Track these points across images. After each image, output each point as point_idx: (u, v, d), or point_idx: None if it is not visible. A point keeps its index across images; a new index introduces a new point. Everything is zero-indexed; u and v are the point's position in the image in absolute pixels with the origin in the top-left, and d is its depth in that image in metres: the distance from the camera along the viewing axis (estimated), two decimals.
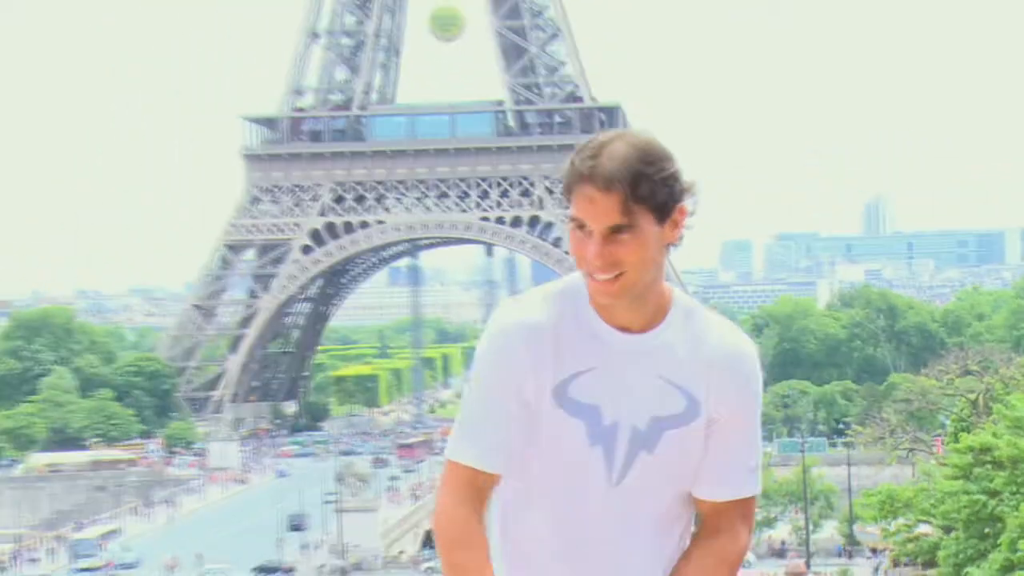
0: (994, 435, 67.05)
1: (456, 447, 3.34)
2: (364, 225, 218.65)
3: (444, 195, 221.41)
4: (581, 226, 3.10)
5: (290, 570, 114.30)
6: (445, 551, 3.35)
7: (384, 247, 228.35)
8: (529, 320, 3.25)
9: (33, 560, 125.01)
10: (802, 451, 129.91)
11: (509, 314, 3.33)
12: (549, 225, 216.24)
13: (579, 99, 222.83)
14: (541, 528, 3.39)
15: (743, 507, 3.40)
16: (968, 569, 67.96)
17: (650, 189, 3.05)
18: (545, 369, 3.22)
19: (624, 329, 3.23)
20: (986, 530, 64.29)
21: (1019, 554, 57.66)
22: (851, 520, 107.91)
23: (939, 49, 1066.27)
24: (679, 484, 3.37)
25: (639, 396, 3.24)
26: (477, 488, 3.32)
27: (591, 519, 3.34)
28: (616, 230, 3.05)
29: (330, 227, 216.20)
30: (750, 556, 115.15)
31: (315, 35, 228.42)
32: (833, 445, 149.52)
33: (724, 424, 3.30)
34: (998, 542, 61.33)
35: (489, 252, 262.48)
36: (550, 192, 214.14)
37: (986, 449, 65.74)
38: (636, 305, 3.19)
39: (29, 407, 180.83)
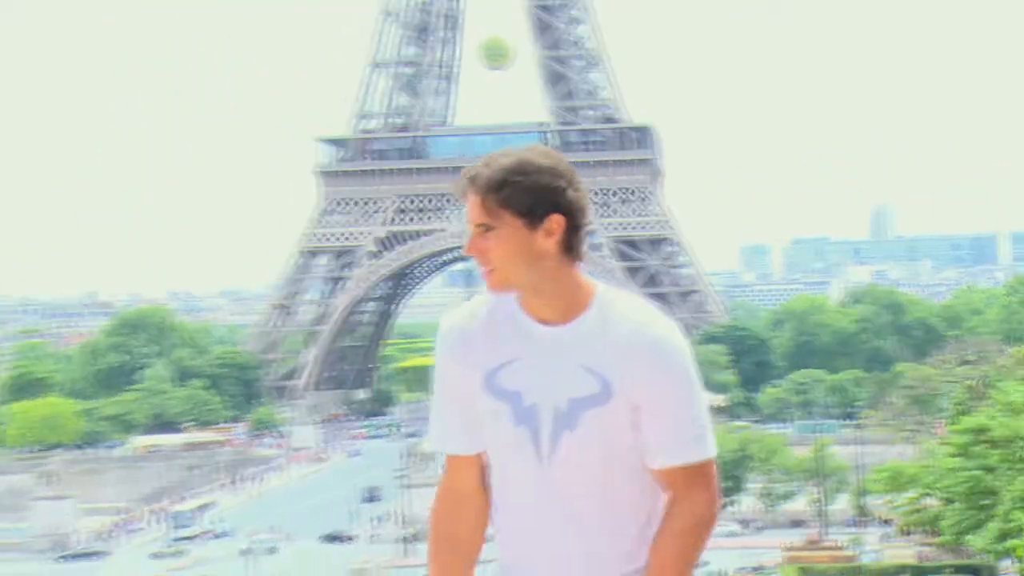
0: (989, 417, 67.37)
1: (429, 436, 3.52)
2: (424, 233, 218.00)
3: None
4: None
5: (351, 538, 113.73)
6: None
7: (441, 253, 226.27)
8: (452, 325, 3.39)
9: (136, 530, 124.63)
10: (817, 432, 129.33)
11: (442, 322, 3.47)
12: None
13: (614, 120, 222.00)
14: (499, 501, 3.45)
15: (695, 472, 3.28)
16: (967, 537, 68.71)
17: (513, 196, 3.14)
18: (471, 364, 3.31)
19: (545, 322, 3.27)
20: (983, 502, 64.17)
21: (1013, 524, 57.88)
22: (862, 493, 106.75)
23: (932, 58, 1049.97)
24: (613, 461, 3.30)
25: (558, 381, 3.24)
26: (460, 469, 3.47)
27: (529, 494, 3.35)
28: (485, 228, 3.18)
29: (394, 235, 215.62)
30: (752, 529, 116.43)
31: (379, 65, 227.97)
32: (845, 427, 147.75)
33: (650, 401, 3.23)
34: (994, 513, 61.53)
35: None
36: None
37: (982, 430, 65.91)
38: (543, 300, 3.25)
39: (131, 395, 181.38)
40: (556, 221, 3.15)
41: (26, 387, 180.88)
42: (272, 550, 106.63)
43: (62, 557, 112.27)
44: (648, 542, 3.32)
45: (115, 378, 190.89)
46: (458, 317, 3.42)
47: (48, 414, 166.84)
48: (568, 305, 3.25)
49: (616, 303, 3.30)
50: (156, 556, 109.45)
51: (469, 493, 3.46)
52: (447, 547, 3.53)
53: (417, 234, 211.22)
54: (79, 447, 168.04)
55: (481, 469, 3.46)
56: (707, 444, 3.27)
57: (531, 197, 3.14)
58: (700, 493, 3.26)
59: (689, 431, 3.24)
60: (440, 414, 3.45)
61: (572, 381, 3.21)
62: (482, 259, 3.21)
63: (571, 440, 3.22)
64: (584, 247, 3.29)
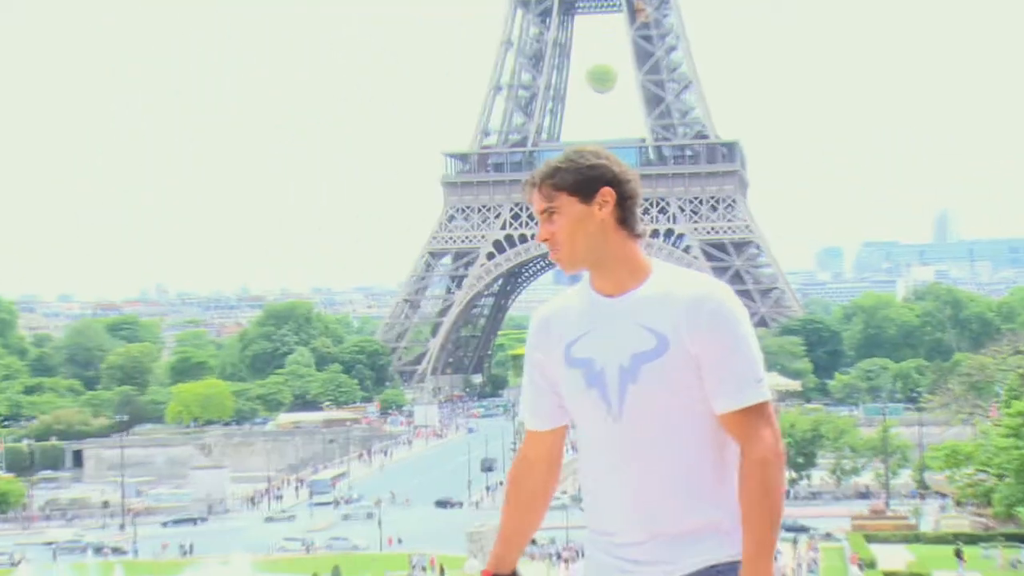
0: None
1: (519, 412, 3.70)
2: (534, 237, 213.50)
3: None
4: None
5: (460, 503, 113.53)
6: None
7: (548, 254, 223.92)
8: (538, 317, 3.45)
9: (279, 496, 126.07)
10: (883, 415, 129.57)
11: (533, 315, 3.55)
12: (680, 236, 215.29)
13: (705, 136, 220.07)
14: (583, 467, 3.40)
15: (756, 413, 3.17)
16: (1018, 508, 68.88)
17: (566, 177, 3.19)
18: (551, 346, 3.33)
19: (608, 295, 3.25)
20: None
21: None
22: (922, 469, 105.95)
23: (989, 69, 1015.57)
24: (679, 410, 3.21)
25: (620, 341, 3.20)
26: (534, 441, 3.53)
27: (606, 453, 3.28)
28: (549, 213, 3.22)
29: (509, 238, 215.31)
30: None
31: (499, 88, 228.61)
32: (908, 410, 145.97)
33: (706, 351, 3.14)
34: None
35: None
36: (681, 210, 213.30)
37: None
38: (603, 273, 3.25)
39: (277, 378, 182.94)
40: (607, 193, 3.19)
41: (187, 370, 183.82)
42: (392, 512, 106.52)
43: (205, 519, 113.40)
44: (718, 496, 3.20)
45: (263, 363, 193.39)
46: (545, 309, 3.49)
47: (206, 394, 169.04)
48: (628, 276, 3.24)
49: (671, 273, 3.28)
50: (293, 519, 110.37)
51: (535, 461, 3.50)
52: (513, 504, 3.60)
53: (528, 237, 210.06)
54: (232, 423, 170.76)
55: (550, 443, 3.49)
56: (763, 388, 3.18)
57: (581, 175, 3.19)
58: (764, 430, 3.15)
59: (746, 377, 3.15)
60: (524, 394, 3.51)
61: (632, 339, 3.17)
62: (551, 243, 3.26)
63: (635, 392, 3.16)
64: (639, 223, 3.29)
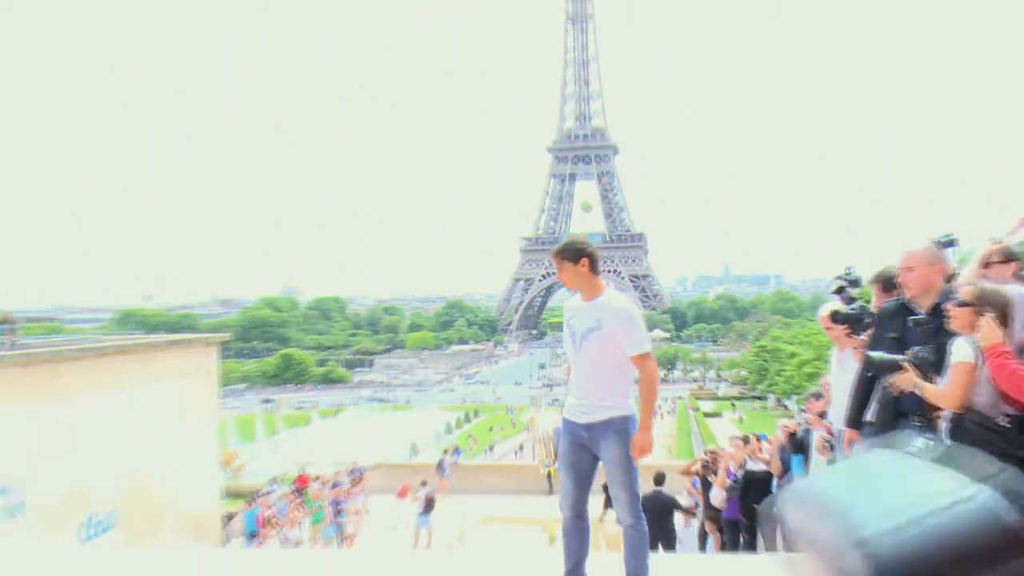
0: None
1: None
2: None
3: None
4: None
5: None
6: None
7: None
8: (566, 305, 5.54)
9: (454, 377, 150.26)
10: (701, 344, 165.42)
11: (566, 303, 5.60)
12: (619, 272, 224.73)
13: (631, 231, 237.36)
14: (571, 368, 5.56)
15: (644, 356, 5.18)
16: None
17: (565, 253, 5.31)
18: (567, 319, 5.46)
19: (585, 301, 5.37)
20: None
21: None
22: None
23: None
24: (609, 353, 5.24)
25: (583, 322, 5.33)
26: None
27: (575, 366, 5.44)
28: (560, 267, 5.33)
29: None
30: None
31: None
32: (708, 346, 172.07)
33: (620, 330, 5.20)
34: None
35: None
36: (620, 263, 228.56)
37: None
38: (583, 292, 5.37)
39: (451, 332, 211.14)
40: (584, 260, 5.29)
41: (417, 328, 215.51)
42: (502, 388, 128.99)
43: None
44: (617, 389, 5.30)
45: (445, 326, 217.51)
46: (567, 303, 5.56)
47: (424, 339, 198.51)
48: (592, 294, 5.34)
49: (611, 293, 5.36)
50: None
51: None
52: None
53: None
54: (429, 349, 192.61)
55: None
56: (646, 345, 5.21)
57: (572, 252, 5.30)
58: (648, 362, 5.21)
59: (639, 341, 5.19)
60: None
61: (587, 321, 5.32)
62: (562, 279, 5.36)
63: (584, 344, 5.32)
64: (600, 271, 5.41)
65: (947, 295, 5.16)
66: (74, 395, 14.99)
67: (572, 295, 5.56)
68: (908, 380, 4.92)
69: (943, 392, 4.74)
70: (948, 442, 4.69)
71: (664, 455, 53.34)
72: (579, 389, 5.35)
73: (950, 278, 5.61)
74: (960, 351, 4.71)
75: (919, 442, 4.84)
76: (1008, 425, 4.53)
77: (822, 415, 8.01)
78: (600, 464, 5.38)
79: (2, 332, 16.74)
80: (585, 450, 5.35)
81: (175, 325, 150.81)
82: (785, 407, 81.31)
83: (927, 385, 4.83)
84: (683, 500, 15.25)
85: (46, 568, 7.39)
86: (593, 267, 5.34)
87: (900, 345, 5.18)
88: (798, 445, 9.01)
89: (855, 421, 5.52)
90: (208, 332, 41.59)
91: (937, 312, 5.12)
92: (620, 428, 5.19)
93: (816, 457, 7.79)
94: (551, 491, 26.17)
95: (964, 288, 5.12)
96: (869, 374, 5.35)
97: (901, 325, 5.26)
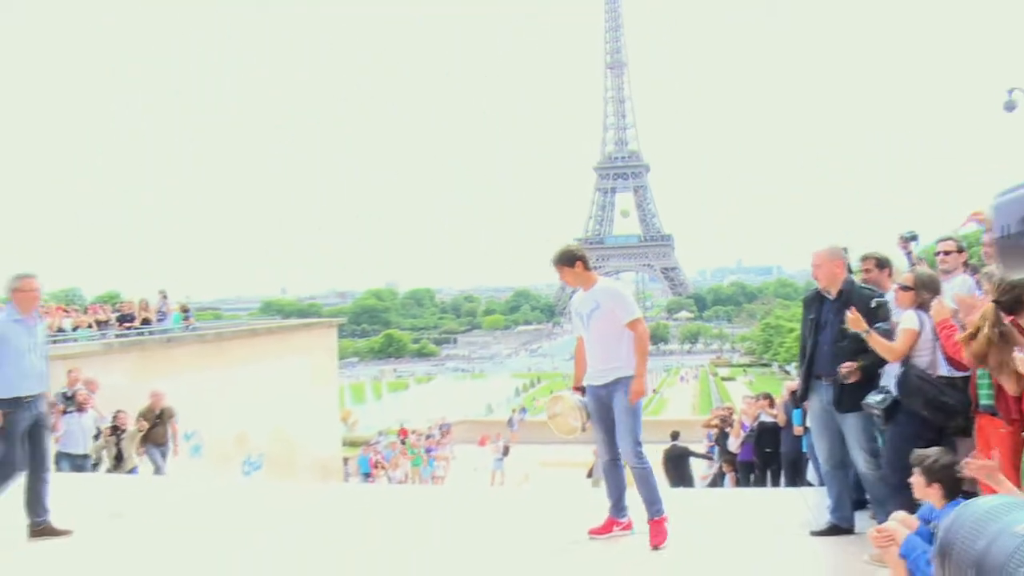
0: None
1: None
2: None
3: None
4: None
5: None
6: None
7: None
8: (573, 298, 5.65)
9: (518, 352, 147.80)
10: (719, 323, 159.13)
11: (574, 296, 5.66)
12: (651, 266, 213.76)
13: (660, 231, 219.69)
14: (585, 344, 5.57)
15: (636, 321, 5.29)
16: None
17: (564, 258, 5.34)
18: (574, 306, 5.56)
19: (584, 291, 5.45)
20: None
21: None
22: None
23: None
24: (608, 325, 5.32)
25: (586, 306, 5.40)
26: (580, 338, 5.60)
27: (588, 343, 5.47)
28: (560, 271, 5.39)
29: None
30: None
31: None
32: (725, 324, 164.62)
33: (612, 305, 5.30)
34: None
35: None
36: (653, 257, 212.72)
37: None
38: (581, 286, 5.45)
39: (518, 315, 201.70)
40: (579, 264, 5.39)
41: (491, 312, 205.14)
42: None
43: None
44: (621, 354, 5.33)
45: (513, 310, 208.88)
46: (574, 297, 5.63)
47: (494, 322, 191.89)
48: (588, 285, 5.44)
49: (603, 281, 5.48)
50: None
51: (581, 343, 5.61)
52: (578, 360, 5.64)
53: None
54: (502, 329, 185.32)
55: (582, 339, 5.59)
56: (636, 312, 5.33)
57: (569, 257, 5.38)
58: (639, 327, 5.28)
59: (630, 311, 5.31)
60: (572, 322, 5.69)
61: (588, 305, 5.40)
62: (565, 281, 5.48)
63: (591, 323, 5.39)
64: (591, 266, 5.48)
65: (850, 283, 5.44)
66: (235, 365, 15.72)
67: (576, 291, 5.56)
68: (864, 332, 5.09)
69: (892, 347, 5.04)
70: (895, 392, 4.98)
71: (689, 411, 53.71)
72: (594, 359, 5.39)
73: (850, 269, 5.78)
74: (907, 321, 5.01)
75: (878, 396, 5.13)
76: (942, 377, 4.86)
77: None
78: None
79: (183, 318, 17.77)
80: (606, 406, 5.37)
81: (304, 312, 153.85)
82: (787, 372, 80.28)
83: (880, 340, 5.05)
84: (699, 448, 15.55)
85: (219, 492, 7.85)
86: (586, 265, 5.39)
87: (815, 324, 5.42)
88: (798, 401, 9.16)
89: (805, 381, 5.61)
90: (329, 317, 42.72)
91: (841, 296, 5.36)
92: (627, 385, 5.24)
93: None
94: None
95: (904, 275, 5.39)
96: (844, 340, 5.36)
97: (818, 308, 5.47)
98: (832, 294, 5.41)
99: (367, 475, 22.80)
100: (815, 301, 5.51)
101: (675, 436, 15.19)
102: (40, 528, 6.02)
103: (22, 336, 5.95)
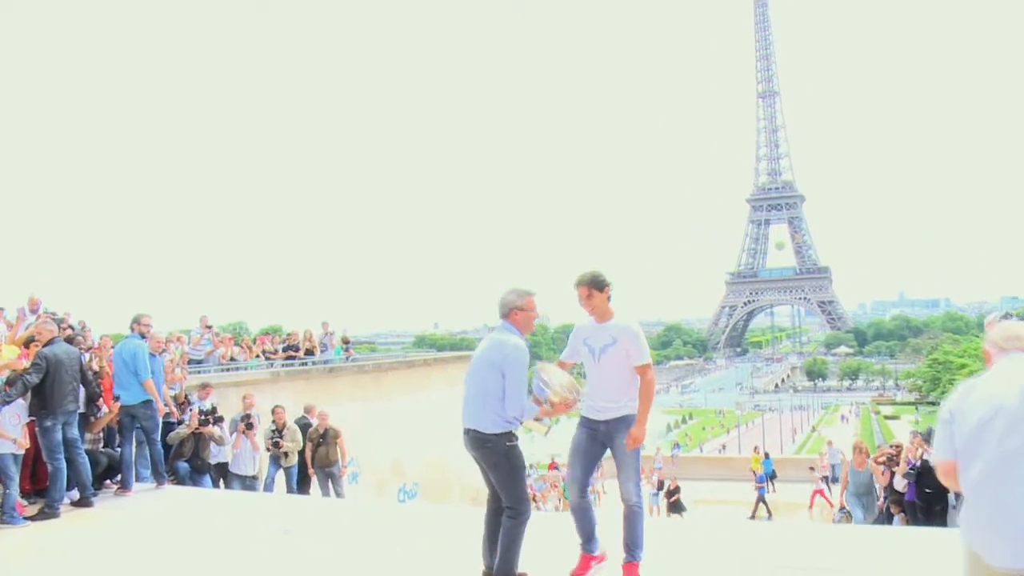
0: None
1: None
2: None
3: None
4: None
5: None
6: None
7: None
8: (577, 326, 5.39)
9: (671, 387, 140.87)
10: (882, 359, 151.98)
11: (576, 324, 5.43)
12: (808, 299, 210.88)
13: (817, 264, 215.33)
14: (587, 378, 5.33)
15: (644, 367, 5.12)
16: None
17: (591, 283, 5.15)
18: (580, 337, 5.32)
19: (599, 323, 5.23)
20: None
21: None
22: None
23: None
24: (619, 364, 5.17)
25: (599, 340, 5.21)
26: (563, 365, 5.32)
27: (593, 376, 5.28)
28: (588, 295, 5.18)
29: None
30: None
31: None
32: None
33: (627, 344, 5.13)
34: None
35: None
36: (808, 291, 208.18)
37: None
38: (599, 316, 5.24)
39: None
40: (607, 290, 5.19)
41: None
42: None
43: None
44: (628, 392, 5.20)
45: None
46: (581, 322, 5.36)
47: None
48: (606, 317, 5.24)
49: (619, 317, 5.26)
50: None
51: (567, 368, 5.39)
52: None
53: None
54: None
55: (568, 366, 5.37)
56: (647, 357, 5.14)
57: (601, 283, 5.17)
58: (648, 372, 5.15)
59: (641, 354, 5.14)
60: (567, 348, 5.43)
61: (603, 339, 5.21)
62: (589, 305, 5.22)
63: (603, 358, 5.20)
64: (610, 297, 5.20)
65: None
66: (391, 394, 16.22)
67: (586, 318, 5.31)
68: None
69: None
70: None
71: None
72: (597, 393, 5.22)
73: None
74: None
75: None
76: None
77: None
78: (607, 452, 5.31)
79: (344, 349, 18.64)
80: (598, 442, 5.23)
81: (456, 345, 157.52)
82: None
83: None
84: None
85: (377, 518, 8.04)
86: (609, 294, 5.18)
87: None
88: None
89: None
90: None
91: None
92: (631, 424, 5.10)
93: None
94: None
95: None
96: None
97: None
98: None
99: None
100: None
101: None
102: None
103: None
